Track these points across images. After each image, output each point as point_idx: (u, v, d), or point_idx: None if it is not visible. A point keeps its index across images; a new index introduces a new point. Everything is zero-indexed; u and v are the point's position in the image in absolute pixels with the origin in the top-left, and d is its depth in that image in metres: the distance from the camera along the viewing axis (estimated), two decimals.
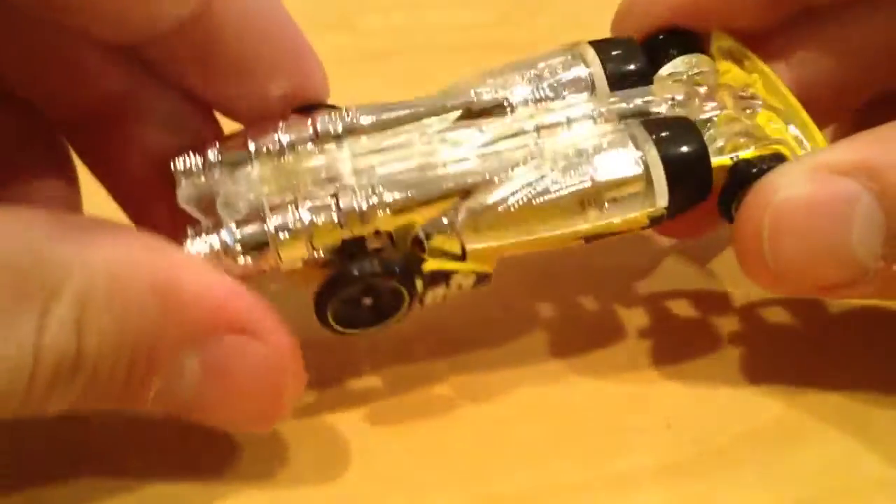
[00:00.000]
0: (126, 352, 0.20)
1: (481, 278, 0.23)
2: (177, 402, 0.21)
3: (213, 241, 0.22)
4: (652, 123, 0.23)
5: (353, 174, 0.22)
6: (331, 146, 0.23)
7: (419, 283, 0.22)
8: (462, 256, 0.22)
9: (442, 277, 0.23)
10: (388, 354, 0.25)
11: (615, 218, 0.22)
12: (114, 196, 0.25)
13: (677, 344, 0.26)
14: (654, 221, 0.23)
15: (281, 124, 0.23)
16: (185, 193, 0.23)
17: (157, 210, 0.24)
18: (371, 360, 0.25)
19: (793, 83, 0.25)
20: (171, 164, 0.23)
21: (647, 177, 0.22)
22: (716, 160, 0.23)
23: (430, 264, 0.22)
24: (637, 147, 0.23)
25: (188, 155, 0.23)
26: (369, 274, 0.22)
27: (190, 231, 0.22)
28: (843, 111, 0.27)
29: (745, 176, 0.23)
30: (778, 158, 0.23)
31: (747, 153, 0.23)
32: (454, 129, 0.23)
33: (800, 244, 0.22)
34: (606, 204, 0.22)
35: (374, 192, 0.22)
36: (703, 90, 0.24)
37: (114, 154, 0.24)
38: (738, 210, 0.22)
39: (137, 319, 0.20)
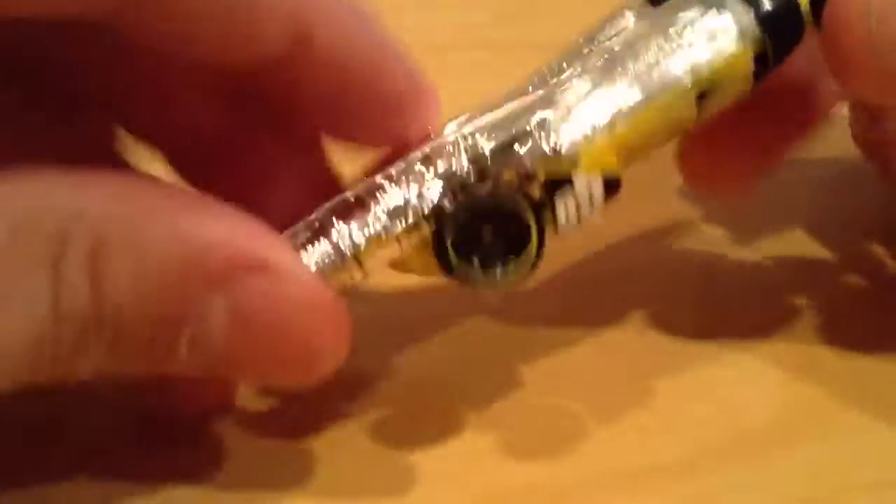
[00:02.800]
0: (149, 302, 0.19)
1: (610, 185, 0.22)
2: (208, 355, 0.20)
3: (327, 247, 0.21)
4: None
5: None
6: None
7: (539, 199, 0.21)
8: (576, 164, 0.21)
9: (564, 183, 0.21)
10: (387, 353, 0.25)
11: (715, 55, 0.22)
12: None
13: (677, 344, 0.26)
14: (760, 64, 0.22)
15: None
16: None
17: None
18: (370, 360, 0.25)
19: None
20: None
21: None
22: None
23: (543, 175, 0.21)
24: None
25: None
26: (477, 196, 0.21)
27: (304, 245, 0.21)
28: None
29: None
30: None
31: None
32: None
33: None
34: (703, 40, 0.22)
35: (469, 141, 0.21)
36: None
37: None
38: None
39: (156, 267, 0.19)
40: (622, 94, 0.22)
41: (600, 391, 0.24)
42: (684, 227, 0.29)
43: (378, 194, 0.21)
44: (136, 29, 0.20)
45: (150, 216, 0.19)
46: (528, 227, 0.21)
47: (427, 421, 0.24)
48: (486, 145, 0.21)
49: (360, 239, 0.21)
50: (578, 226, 0.22)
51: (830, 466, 0.23)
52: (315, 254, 0.21)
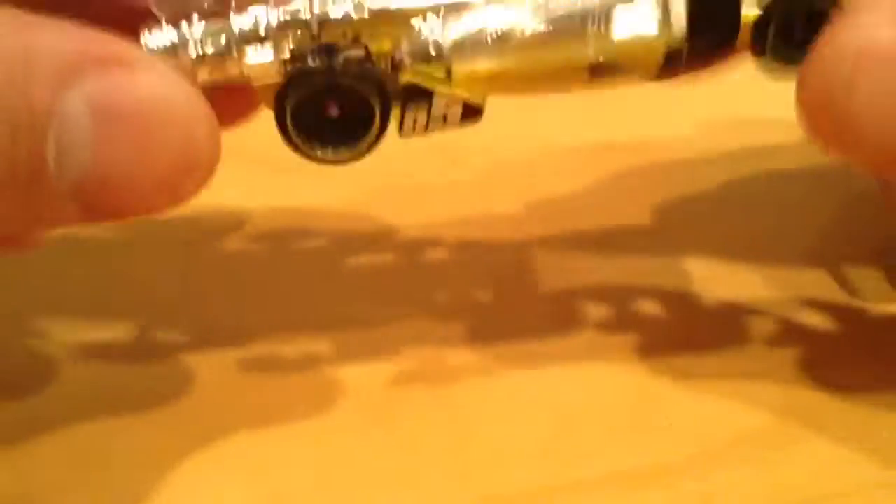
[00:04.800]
0: (3, 102, 0.18)
1: (470, 111, 0.21)
2: (80, 171, 0.18)
3: (171, 35, 0.20)
4: None
5: None
6: None
7: (393, 97, 0.20)
8: (446, 78, 0.20)
9: (422, 95, 0.20)
10: (387, 353, 0.25)
11: (624, 38, 0.20)
12: None
13: (677, 344, 0.26)
14: (671, 61, 0.21)
15: None
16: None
17: None
18: (369, 360, 0.25)
19: None
20: None
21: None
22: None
23: (409, 76, 0.20)
24: None
25: None
26: (331, 68, 0.20)
27: (146, 28, 0.20)
28: None
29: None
30: None
31: None
32: None
33: (887, 96, 0.19)
34: (613, 22, 0.20)
35: None
36: None
37: None
38: (807, 58, 0.20)
39: (5, 66, 0.18)
40: (524, 19, 0.20)
41: (600, 390, 0.24)
42: (685, 226, 0.29)
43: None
44: None
45: None
46: (373, 109, 0.20)
47: (427, 421, 0.24)
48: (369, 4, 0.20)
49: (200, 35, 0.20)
50: (424, 135, 0.21)
51: (830, 466, 0.23)
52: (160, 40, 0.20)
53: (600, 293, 0.27)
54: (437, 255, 0.28)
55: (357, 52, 0.20)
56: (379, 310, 0.27)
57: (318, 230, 0.30)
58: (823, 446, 0.23)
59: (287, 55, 0.20)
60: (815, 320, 0.26)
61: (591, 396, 0.24)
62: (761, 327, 0.26)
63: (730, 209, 0.30)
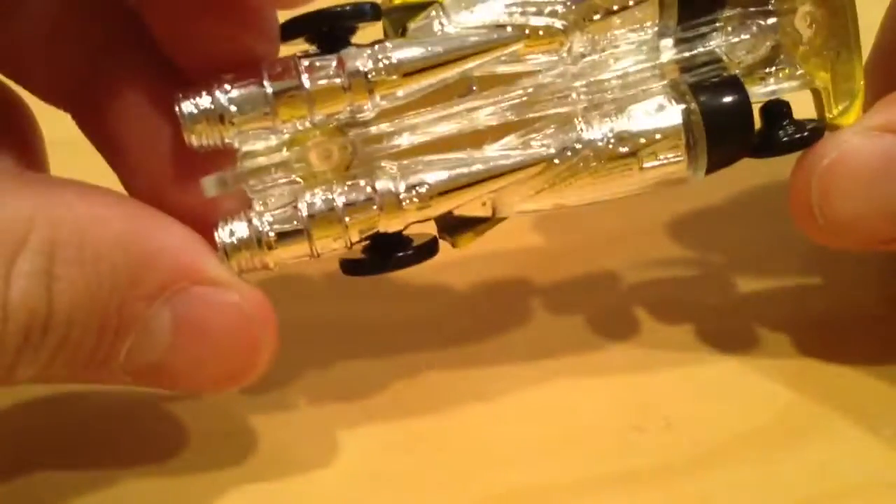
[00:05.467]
0: (98, 306, 0.19)
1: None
2: (147, 363, 0.20)
3: (242, 229, 0.21)
4: (699, 84, 0.22)
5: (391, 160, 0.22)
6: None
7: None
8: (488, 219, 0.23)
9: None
10: (387, 354, 0.25)
11: (653, 179, 0.22)
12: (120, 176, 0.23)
13: (677, 343, 0.26)
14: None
15: (301, 62, 0.21)
16: (196, 142, 0.21)
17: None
18: (369, 360, 0.25)
19: None
20: (176, 105, 0.20)
21: (687, 138, 0.22)
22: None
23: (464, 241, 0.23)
24: (678, 102, 0.22)
25: (194, 95, 0.20)
26: (397, 262, 0.22)
27: (220, 224, 0.21)
28: None
29: (776, 114, 0.23)
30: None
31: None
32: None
33: (849, 203, 0.22)
34: (645, 163, 0.22)
35: (413, 177, 0.21)
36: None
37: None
38: (791, 173, 0.23)
39: (107, 272, 0.19)
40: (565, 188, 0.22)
41: (600, 390, 0.24)
42: (686, 228, 0.29)
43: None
44: None
45: (98, 223, 0.19)
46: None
47: (426, 421, 0.24)
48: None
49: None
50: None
51: (830, 466, 0.23)
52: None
53: (600, 293, 0.27)
54: (437, 256, 0.28)
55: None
56: (379, 310, 0.27)
57: None
58: (823, 446, 0.23)
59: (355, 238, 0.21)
60: (815, 321, 0.26)
61: (591, 396, 0.24)
62: (761, 328, 0.26)
63: (729, 213, 0.30)
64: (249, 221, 0.21)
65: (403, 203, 0.21)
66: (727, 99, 0.22)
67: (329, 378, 0.25)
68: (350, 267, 0.22)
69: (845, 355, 0.25)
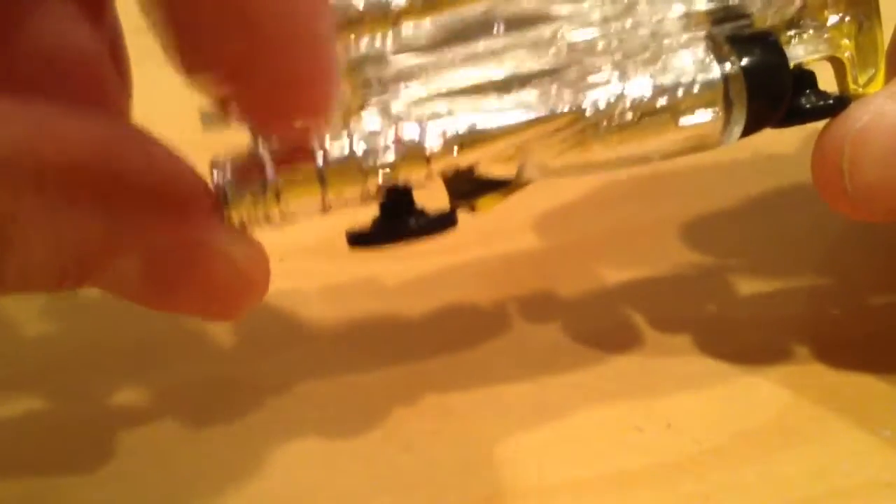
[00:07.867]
0: None
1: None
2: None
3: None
4: (737, 39, 0.22)
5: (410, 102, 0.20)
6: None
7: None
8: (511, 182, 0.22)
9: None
10: (387, 354, 0.25)
11: (685, 140, 0.22)
12: None
13: (677, 344, 0.26)
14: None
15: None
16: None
17: None
18: (369, 360, 0.25)
19: None
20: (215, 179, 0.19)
21: (726, 95, 0.21)
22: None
23: (485, 205, 0.22)
24: (717, 56, 0.21)
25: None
26: (410, 230, 0.20)
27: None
28: None
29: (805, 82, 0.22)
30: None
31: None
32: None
33: (879, 170, 0.21)
34: (681, 120, 0.21)
35: (436, 122, 0.20)
36: None
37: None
38: (817, 140, 0.22)
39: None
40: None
41: (600, 391, 0.24)
42: (685, 228, 0.29)
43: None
44: None
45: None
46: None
47: (426, 421, 0.24)
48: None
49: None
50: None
51: (830, 466, 0.23)
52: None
53: (600, 293, 0.27)
54: (437, 257, 0.28)
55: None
56: (379, 311, 0.27)
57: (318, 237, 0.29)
58: (823, 446, 0.23)
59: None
60: (815, 321, 0.26)
61: (591, 397, 0.24)
62: (761, 328, 0.26)
63: (729, 213, 0.30)
64: (254, 160, 0.19)
65: (427, 151, 0.20)
66: (769, 59, 0.21)
67: (328, 378, 0.25)
68: (358, 238, 0.21)
69: (845, 356, 0.25)
